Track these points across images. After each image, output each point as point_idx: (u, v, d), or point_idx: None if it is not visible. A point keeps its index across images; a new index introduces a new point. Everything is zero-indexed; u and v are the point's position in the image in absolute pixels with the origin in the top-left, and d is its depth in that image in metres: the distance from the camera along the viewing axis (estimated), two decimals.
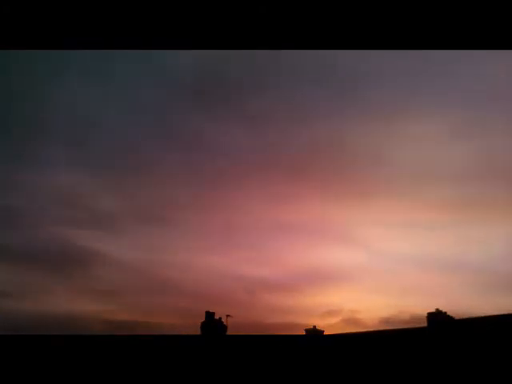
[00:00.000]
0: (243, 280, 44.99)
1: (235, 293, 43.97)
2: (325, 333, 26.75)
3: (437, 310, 24.70)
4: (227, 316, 28.11)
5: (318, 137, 46.17)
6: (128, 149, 46.53)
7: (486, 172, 43.57)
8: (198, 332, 27.74)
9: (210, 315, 28.08)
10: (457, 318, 21.77)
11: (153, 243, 45.46)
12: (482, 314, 17.65)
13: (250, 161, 47.72)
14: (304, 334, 27.06)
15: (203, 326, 27.89)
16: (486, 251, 43.25)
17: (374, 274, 44.16)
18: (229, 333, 27.84)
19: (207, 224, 47.56)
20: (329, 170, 47.51)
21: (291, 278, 45.46)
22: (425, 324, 24.02)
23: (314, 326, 27.38)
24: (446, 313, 24.33)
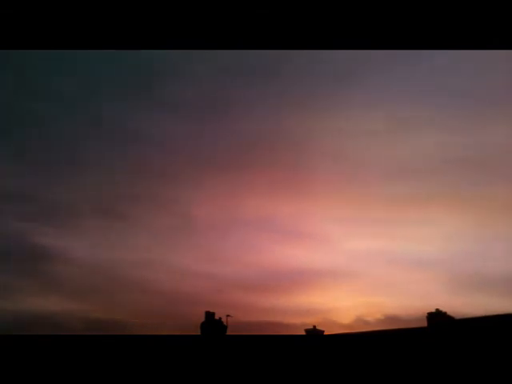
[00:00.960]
0: (208, 278, 44.03)
1: (203, 291, 43.28)
2: (324, 333, 26.79)
3: (437, 310, 24.75)
4: (227, 316, 28.16)
5: (262, 131, 45.57)
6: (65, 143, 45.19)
7: (442, 166, 43.87)
8: (198, 332, 27.78)
9: (209, 315, 28.11)
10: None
11: (111, 240, 44.91)
12: (479, 314, 17.68)
13: (194, 156, 46.63)
14: (304, 334, 27.11)
15: (203, 325, 27.91)
16: (447, 248, 43.56)
17: (343, 271, 43.92)
18: (229, 332, 27.91)
19: (163, 221, 46.55)
20: (277, 166, 46.86)
21: (255, 277, 44.91)
22: (425, 324, 24.07)
23: (314, 326, 27.42)
24: (445, 313, 24.37)
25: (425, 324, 24.03)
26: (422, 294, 40.77)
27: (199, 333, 27.89)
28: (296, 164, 46.40)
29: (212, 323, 27.87)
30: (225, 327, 28.04)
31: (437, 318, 24.22)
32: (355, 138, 44.95)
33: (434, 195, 44.26)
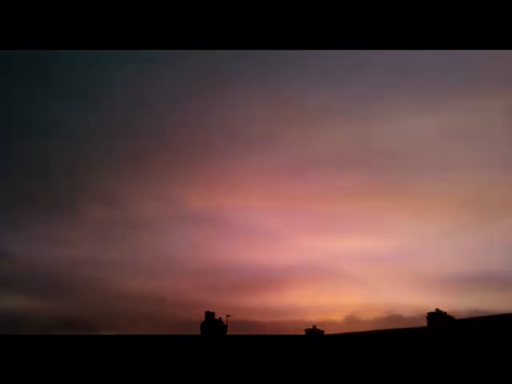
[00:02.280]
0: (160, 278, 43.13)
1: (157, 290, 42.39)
2: (325, 333, 26.80)
3: (437, 310, 24.75)
4: (227, 316, 28.15)
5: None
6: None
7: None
8: (199, 332, 27.78)
9: (209, 315, 28.10)
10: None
11: (53, 235, 43.43)
12: (480, 315, 17.69)
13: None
14: (304, 334, 27.10)
15: (203, 325, 27.90)
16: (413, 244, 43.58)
17: (303, 270, 43.41)
18: (229, 332, 27.90)
19: (106, 217, 45.45)
20: (216, 159, 46.27)
21: (216, 276, 43.88)
22: (425, 324, 24.07)
23: (314, 326, 27.40)
24: (445, 313, 24.38)
25: (425, 324, 24.04)
26: (383, 291, 40.61)
27: (199, 333, 27.88)
28: (234, 156, 45.91)
29: (212, 323, 27.86)
30: (225, 327, 28.03)
31: (437, 318, 24.22)
32: (301, 128, 44.48)
33: (385, 188, 44.25)
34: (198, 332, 27.79)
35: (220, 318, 28.16)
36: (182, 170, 46.67)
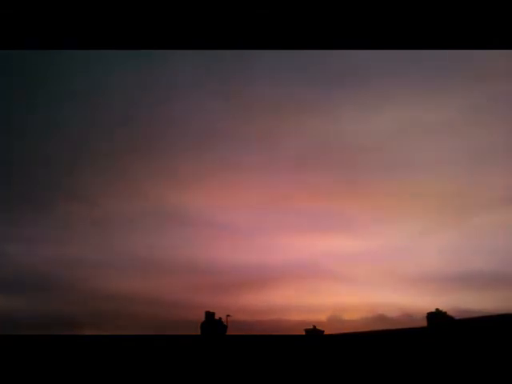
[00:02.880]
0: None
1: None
2: (324, 333, 26.78)
3: (437, 309, 24.72)
4: (227, 316, 28.13)
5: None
6: None
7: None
8: (199, 332, 27.77)
9: (209, 315, 28.09)
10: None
11: (28, 234, 42.34)
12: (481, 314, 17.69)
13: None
14: (304, 334, 27.08)
15: (203, 325, 27.90)
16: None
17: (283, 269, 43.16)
18: (229, 332, 27.89)
19: (74, 214, 44.43)
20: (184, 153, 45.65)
21: (202, 275, 43.21)
22: (425, 324, 24.05)
23: (314, 326, 27.38)
24: (446, 313, 24.36)
25: (425, 324, 24.02)
26: (366, 290, 40.52)
27: (199, 333, 27.87)
28: (203, 151, 45.60)
29: (212, 323, 27.85)
30: (225, 327, 28.01)
31: (437, 318, 24.19)
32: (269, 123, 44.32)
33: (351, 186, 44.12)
34: (197, 332, 27.78)
35: (220, 318, 28.15)
36: (158, 168, 45.81)
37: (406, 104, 42.55)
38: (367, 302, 39.63)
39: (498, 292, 37.46)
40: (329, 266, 43.00)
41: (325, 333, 26.48)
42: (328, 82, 43.42)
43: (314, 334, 26.37)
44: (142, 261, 42.10)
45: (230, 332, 27.82)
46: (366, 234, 43.90)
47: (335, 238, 43.98)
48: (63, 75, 42.85)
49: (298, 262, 43.11)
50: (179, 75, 43.39)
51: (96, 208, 44.89)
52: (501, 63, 36.33)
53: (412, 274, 40.99)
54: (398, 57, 38.90)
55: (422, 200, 43.30)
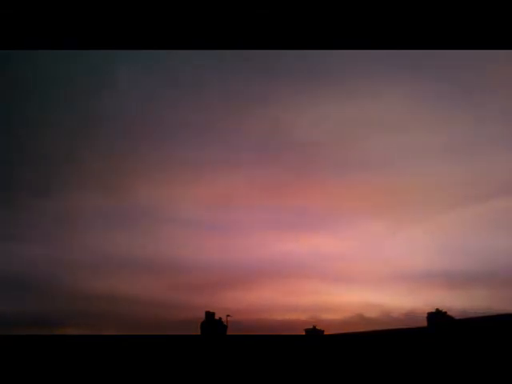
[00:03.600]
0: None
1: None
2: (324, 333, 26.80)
3: (437, 309, 24.74)
4: (227, 316, 28.14)
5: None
6: None
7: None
8: (199, 332, 27.78)
9: (209, 315, 28.10)
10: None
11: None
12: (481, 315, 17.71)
13: None
14: (304, 334, 27.11)
15: (203, 325, 27.91)
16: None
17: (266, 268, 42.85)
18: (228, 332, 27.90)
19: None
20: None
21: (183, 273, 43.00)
22: (425, 324, 24.07)
23: (314, 326, 27.41)
24: (446, 313, 24.38)
25: (425, 324, 24.04)
26: (344, 290, 40.43)
27: (199, 333, 27.87)
28: (165, 149, 45.14)
29: (212, 323, 27.85)
30: (225, 327, 28.02)
31: (437, 318, 24.21)
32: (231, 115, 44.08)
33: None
34: (196, 332, 27.79)
35: (220, 318, 28.15)
36: (130, 167, 45.59)
37: (367, 102, 42.34)
38: (347, 301, 39.60)
39: (473, 291, 37.61)
40: (304, 266, 42.87)
41: (325, 333, 26.52)
42: (287, 78, 43.10)
43: (314, 334, 26.40)
44: (115, 259, 41.81)
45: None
46: (340, 234, 43.89)
47: (310, 237, 43.97)
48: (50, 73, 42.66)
49: (273, 261, 43.02)
50: None
51: (68, 207, 44.13)
52: (446, 56, 36.26)
53: (388, 273, 41.06)
54: (356, 55, 38.35)
55: (391, 198, 43.38)
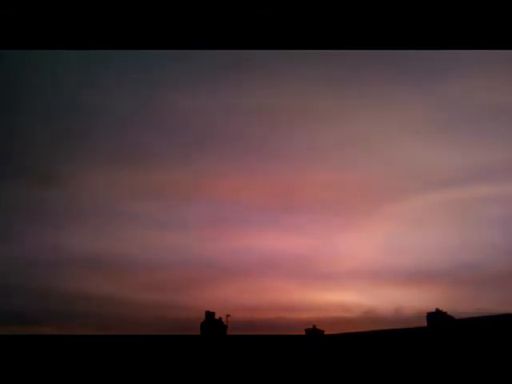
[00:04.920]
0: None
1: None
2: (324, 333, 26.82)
3: (437, 309, 24.76)
4: (227, 316, 28.15)
5: None
6: None
7: None
8: (199, 332, 27.79)
9: (210, 315, 28.11)
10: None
11: None
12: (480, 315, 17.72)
13: None
14: (304, 334, 27.13)
15: (203, 326, 27.92)
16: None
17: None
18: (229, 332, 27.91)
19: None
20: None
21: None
22: (425, 324, 24.08)
23: (314, 326, 27.43)
24: (446, 313, 24.40)
25: (425, 324, 24.04)
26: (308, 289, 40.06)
27: (199, 333, 27.88)
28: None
29: (212, 323, 27.86)
30: (225, 327, 28.03)
31: (437, 318, 24.22)
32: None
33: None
34: (196, 332, 27.78)
35: (220, 318, 28.16)
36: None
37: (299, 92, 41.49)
38: (311, 300, 39.21)
39: (426, 288, 37.49)
40: (266, 265, 42.44)
41: (325, 333, 26.53)
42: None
43: (314, 334, 26.41)
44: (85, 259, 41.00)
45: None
46: (291, 231, 43.38)
47: (263, 235, 43.46)
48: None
49: (235, 259, 42.26)
50: None
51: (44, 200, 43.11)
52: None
53: (345, 270, 40.75)
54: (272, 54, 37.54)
55: (337, 192, 43.13)
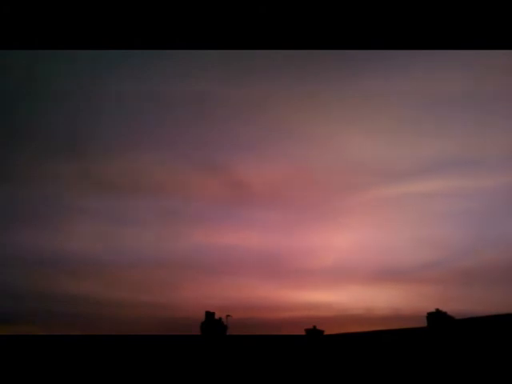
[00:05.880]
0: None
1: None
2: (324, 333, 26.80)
3: (437, 309, 24.72)
4: (227, 316, 28.12)
5: None
6: None
7: None
8: (199, 332, 27.76)
9: (210, 315, 28.08)
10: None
11: None
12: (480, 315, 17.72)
13: None
14: (304, 334, 27.10)
15: (203, 325, 27.89)
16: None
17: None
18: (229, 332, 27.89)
19: None
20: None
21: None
22: (425, 324, 24.06)
23: (314, 326, 27.38)
24: (446, 313, 24.36)
25: (425, 324, 24.02)
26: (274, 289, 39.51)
27: (199, 333, 27.86)
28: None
29: (212, 323, 27.84)
30: (225, 327, 28.01)
31: (437, 318, 24.19)
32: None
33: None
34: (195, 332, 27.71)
35: (220, 318, 28.13)
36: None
37: None
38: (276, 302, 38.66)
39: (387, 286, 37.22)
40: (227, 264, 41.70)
41: (325, 333, 26.51)
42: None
43: (314, 334, 26.39)
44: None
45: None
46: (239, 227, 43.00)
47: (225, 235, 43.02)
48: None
49: (188, 257, 41.42)
50: None
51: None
52: None
53: (301, 268, 40.25)
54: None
55: (287, 188, 42.38)
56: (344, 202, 42.53)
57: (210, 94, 40.63)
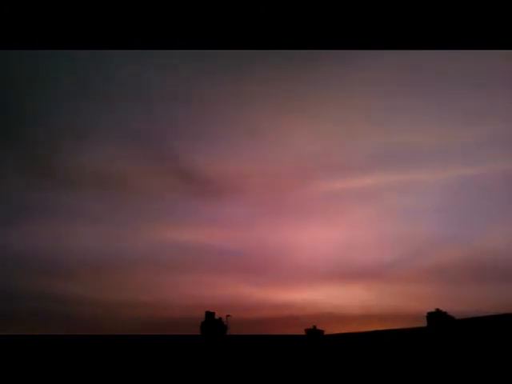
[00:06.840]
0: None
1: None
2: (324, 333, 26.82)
3: (437, 309, 24.74)
4: (227, 316, 28.13)
5: None
6: None
7: None
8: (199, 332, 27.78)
9: (210, 315, 28.08)
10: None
11: None
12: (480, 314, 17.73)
13: None
14: (304, 334, 27.12)
15: (203, 325, 27.90)
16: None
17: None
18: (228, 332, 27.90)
19: None
20: None
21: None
22: (425, 324, 24.08)
23: (314, 326, 27.40)
24: (446, 313, 24.38)
25: (425, 324, 24.04)
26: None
27: (199, 333, 27.87)
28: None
29: (212, 323, 27.85)
30: (225, 327, 28.02)
31: (437, 318, 24.21)
32: None
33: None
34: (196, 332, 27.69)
35: (220, 318, 28.14)
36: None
37: None
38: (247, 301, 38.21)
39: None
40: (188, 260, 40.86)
41: (324, 333, 26.54)
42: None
43: (314, 334, 26.40)
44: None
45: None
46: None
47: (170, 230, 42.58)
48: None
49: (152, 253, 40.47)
50: None
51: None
52: None
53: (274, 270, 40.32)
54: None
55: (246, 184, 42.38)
56: (298, 196, 42.33)
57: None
